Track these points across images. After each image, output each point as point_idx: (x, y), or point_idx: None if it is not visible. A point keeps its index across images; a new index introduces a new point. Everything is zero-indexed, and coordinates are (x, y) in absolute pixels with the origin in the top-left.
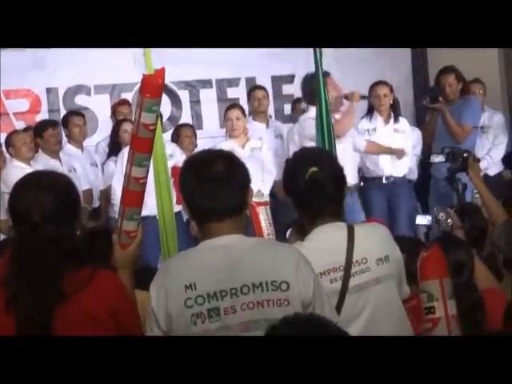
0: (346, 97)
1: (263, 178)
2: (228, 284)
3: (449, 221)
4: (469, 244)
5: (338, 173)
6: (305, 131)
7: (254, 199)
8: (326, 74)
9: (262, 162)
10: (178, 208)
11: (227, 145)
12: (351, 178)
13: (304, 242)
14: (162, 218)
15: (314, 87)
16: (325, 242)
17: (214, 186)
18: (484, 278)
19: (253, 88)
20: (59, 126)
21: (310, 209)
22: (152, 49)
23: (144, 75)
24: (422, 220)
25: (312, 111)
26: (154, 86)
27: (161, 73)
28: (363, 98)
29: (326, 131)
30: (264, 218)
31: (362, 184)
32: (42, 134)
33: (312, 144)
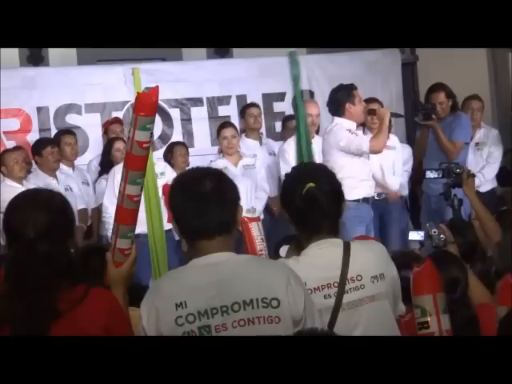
0: (373, 112)
1: (257, 196)
2: (219, 302)
3: (441, 236)
4: (463, 260)
5: (336, 189)
6: (340, 142)
7: (247, 215)
8: (353, 88)
9: (256, 179)
10: (168, 226)
11: (221, 163)
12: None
13: (299, 257)
14: (152, 236)
15: (339, 98)
16: (320, 258)
17: (203, 203)
18: (478, 293)
19: (248, 105)
20: (62, 144)
21: (306, 224)
22: (142, 67)
23: (138, 93)
24: (415, 236)
25: (341, 122)
26: (148, 104)
27: (155, 91)
28: (396, 115)
29: (306, 150)
30: (256, 233)
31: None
32: (41, 153)
33: (342, 154)
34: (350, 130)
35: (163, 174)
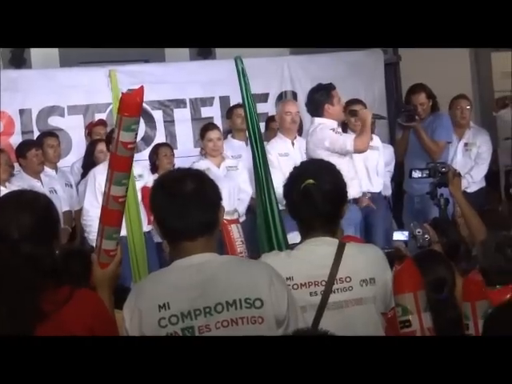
0: (355, 113)
1: (239, 197)
2: (202, 303)
3: (426, 236)
4: (448, 260)
5: (337, 189)
6: (324, 141)
7: (226, 217)
8: (332, 87)
9: (238, 180)
10: (148, 228)
11: (203, 164)
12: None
13: (292, 251)
14: (131, 239)
15: (318, 99)
16: (311, 255)
17: (184, 204)
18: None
19: (235, 106)
20: (44, 146)
21: (300, 220)
22: (125, 69)
23: (123, 94)
24: (399, 236)
25: (323, 121)
26: (132, 105)
27: (139, 92)
28: (378, 117)
29: (260, 157)
30: (236, 236)
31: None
32: (25, 155)
33: (327, 154)
34: (333, 130)
35: (141, 176)
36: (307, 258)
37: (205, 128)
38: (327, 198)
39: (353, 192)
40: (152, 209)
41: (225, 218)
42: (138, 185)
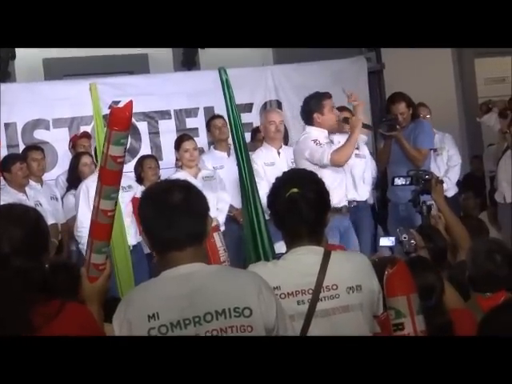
0: (347, 120)
1: (218, 207)
2: (191, 312)
3: (412, 241)
4: (437, 266)
5: (320, 197)
6: (305, 152)
7: None
8: (325, 96)
9: (216, 190)
10: (139, 239)
11: (180, 175)
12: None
13: (278, 261)
14: (113, 251)
15: (308, 108)
16: (297, 264)
17: (172, 214)
18: (451, 299)
19: (212, 117)
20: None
21: (285, 229)
22: (109, 81)
23: (112, 108)
24: (386, 242)
25: (310, 131)
26: (121, 119)
27: (128, 106)
28: (366, 127)
29: (245, 165)
30: (219, 244)
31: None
32: (9, 169)
33: (309, 164)
34: (315, 141)
35: (131, 186)
36: (294, 267)
37: (180, 139)
38: (312, 206)
39: (336, 201)
40: (140, 220)
41: None
42: (128, 196)
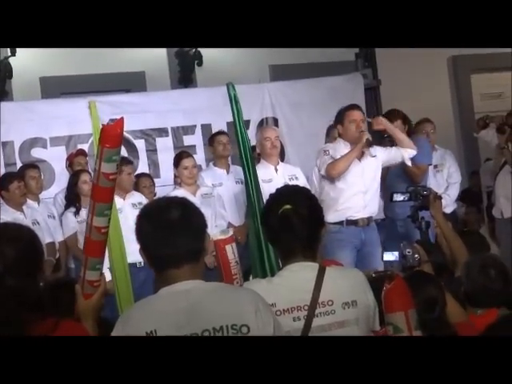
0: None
1: (216, 224)
2: (188, 329)
3: (416, 256)
4: (439, 280)
5: (314, 213)
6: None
7: (220, 236)
8: (349, 107)
9: (215, 207)
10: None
11: (178, 193)
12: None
13: (273, 278)
14: (113, 269)
15: (336, 119)
16: (292, 280)
17: (170, 232)
18: (454, 312)
19: (216, 133)
20: (25, 178)
21: (279, 246)
22: (107, 99)
23: (103, 125)
24: (389, 256)
25: (329, 142)
26: (113, 136)
27: (119, 123)
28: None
29: (252, 180)
30: (231, 257)
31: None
32: (7, 187)
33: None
34: (325, 151)
35: (141, 203)
36: (288, 283)
37: (179, 156)
38: (305, 222)
39: (346, 214)
40: (138, 238)
41: (220, 237)
42: (136, 213)
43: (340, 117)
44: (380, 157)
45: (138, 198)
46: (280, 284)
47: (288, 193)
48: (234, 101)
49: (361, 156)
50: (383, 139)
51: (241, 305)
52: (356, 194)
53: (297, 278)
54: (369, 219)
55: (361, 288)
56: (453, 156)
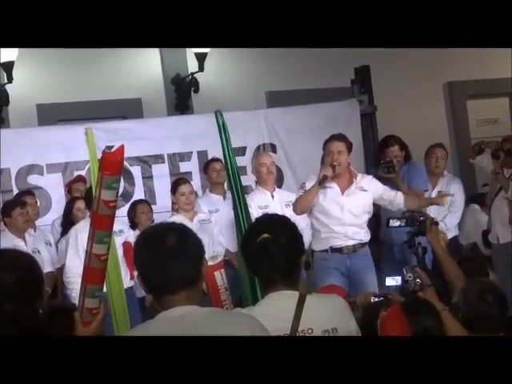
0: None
1: (214, 249)
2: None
3: (417, 280)
4: (435, 307)
5: (292, 241)
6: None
7: (209, 263)
8: (328, 140)
9: (212, 233)
10: (130, 283)
11: (176, 219)
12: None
13: (254, 307)
14: (110, 295)
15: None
16: (273, 309)
17: (167, 258)
18: (457, 333)
19: (210, 160)
20: (27, 205)
21: (259, 275)
22: (103, 126)
23: (104, 153)
24: (391, 282)
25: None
26: (113, 164)
27: (120, 150)
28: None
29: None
30: (220, 283)
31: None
32: (10, 214)
33: None
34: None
35: (122, 231)
36: (268, 312)
37: (176, 182)
38: (283, 250)
39: (331, 242)
40: (135, 264)
41: (208, 263)
42: (119, 240)
43: (323, 148)
44: (372, 192)
45: (119, 226)
46: (260, 313)
47: (266, 221)
48: (222, 128)
49: (345, 189)
50: (380, 165)
51: (236, 330)
52: (336, 226)
53: (276, 307)
54: (355, 246)
55: (341, 315)
56: (460, 184)
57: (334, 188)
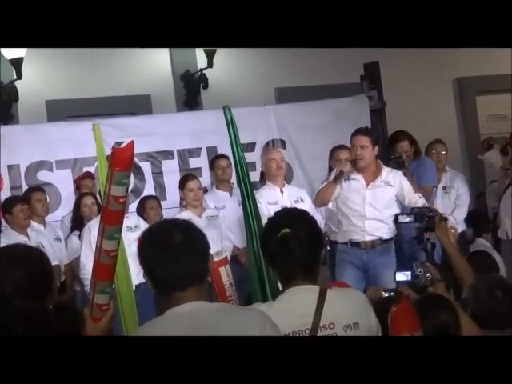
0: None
1: (222, 245)
2: None
3: (428, 275)
4: (451, 302)
5: (313, 236)
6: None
7: (214, 259)
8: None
9: (221, 229)
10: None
11: (185, 215)
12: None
13: (274, 302)
14: (117, 291)
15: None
16: (293, 304)
17: (174, 255)
18: (470, 331)
19: (216, 157)
20: (28, 201)
21: (279, 270)
22: (112, 122)
23: (114, 149)
24: (402, 277)
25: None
26: (123, 159)
27: (130, 146)
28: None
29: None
30: (225, 279)
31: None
32: (10, 211)
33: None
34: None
35: (137, 226)
36: (289, 307)
37: (184, 179)
38: (304, 245)
39: (351, 235)
40: (141, 261)
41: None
42: (135, 235)
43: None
44: (398, 188)
45: (135, 221)
46: (280, 308)
47: (287, 216)
48: (230, 124)
49: (369, 182)
50: (390, 160)
51: (246, 325)
52: (356, 219)
53: (297, 301)
54: (374, 242)
55: (362, 309)
56: (463, 179)
57: (358, 180)
